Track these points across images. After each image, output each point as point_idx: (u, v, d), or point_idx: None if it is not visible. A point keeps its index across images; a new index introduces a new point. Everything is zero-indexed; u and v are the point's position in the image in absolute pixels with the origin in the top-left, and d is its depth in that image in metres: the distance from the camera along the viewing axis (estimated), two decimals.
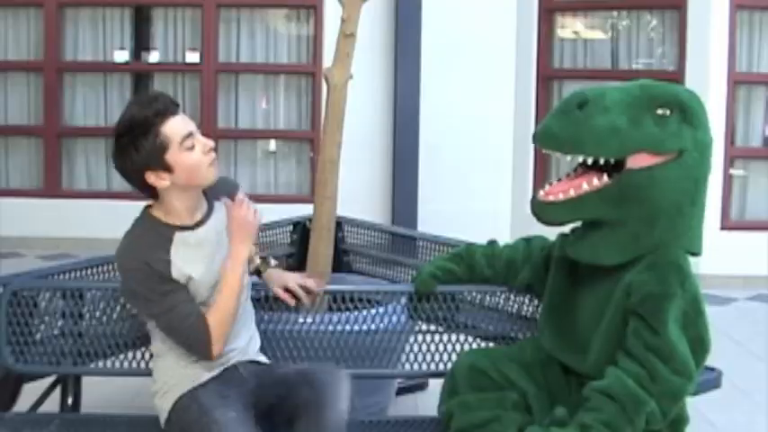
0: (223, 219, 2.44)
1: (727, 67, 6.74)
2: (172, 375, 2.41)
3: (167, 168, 2.29)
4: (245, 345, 2.50)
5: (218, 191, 2.47)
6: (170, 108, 2.30)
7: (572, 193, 2.27)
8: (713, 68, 6.72)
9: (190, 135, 2.31)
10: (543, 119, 2.32)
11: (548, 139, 2.27)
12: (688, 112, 2.26)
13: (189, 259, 2.34)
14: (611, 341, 2.23)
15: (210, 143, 2.35)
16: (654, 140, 2.22)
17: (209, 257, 2.39)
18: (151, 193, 2.36)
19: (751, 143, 7.07)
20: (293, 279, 2.73)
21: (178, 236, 2.36)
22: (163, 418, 2.42)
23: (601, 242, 2.28)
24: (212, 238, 2.41)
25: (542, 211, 2.31)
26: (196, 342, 2.33)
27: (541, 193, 2.32)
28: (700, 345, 2.20)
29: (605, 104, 2.21)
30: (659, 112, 2.24)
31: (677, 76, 6.85)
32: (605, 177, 2.26)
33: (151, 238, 2.34)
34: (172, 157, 2.28)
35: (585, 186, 2.26)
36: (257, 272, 2.74)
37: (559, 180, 2.35)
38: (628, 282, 2.22)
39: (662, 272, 2.20)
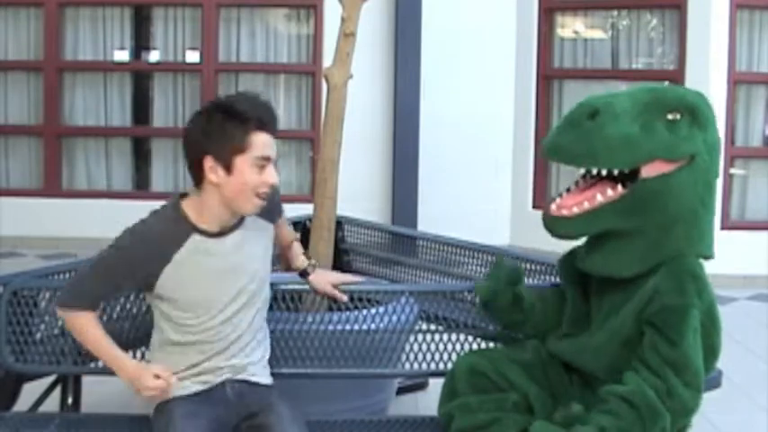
0: (249, 235, 2.36)
1: (727, 67, 6.74)
2: None
3: (228, 169, 2.22)
4: (243, 365, 2.40)
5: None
6: (273, 124, 2.27)
7: (586, 205, 2.22)
8: (713, 68, 6.71)
9: (268, 159, 2.25)
10: (551, 131, 2.26)
11: (561, 153, 2.22)
12: (697, 115, 2.24)
13: (191, 267, 2.28)
14: (627, 346, 2.21)
15: (274, 183, 2.27)
16: (667, 147, 2.19)
17: (213, 270, 2.31)
18: (196, 177, 2.27)
19: (751, 143, 7.07)
20: (335, 278, 2.76)
21: (195, 238, 2.29)
22: (150, 410, 2.42)
23: (616, 254, 2.23)
24: (227, 250, 2.33)
25: (556, 225, 2.26)
26: (63, 294, 2.37)
27: (553, 206, 2.26)
28: (711, 354, 2.20)
29: (616, 113, 2.17)
30: (669, 116, 2.21)
31: (677, 76, 6.85)
32: (619, 187, 2.21)
33: (170, 230, 2.28)
34: (241, 162, 2.22)
35: (600, 198, 2.21)
36: (304, 273, 2.70)
37: (568, 190, 2.30)
38: (650, 289, 2.18)
39: (680, 282, 2.16)
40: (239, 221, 2.35)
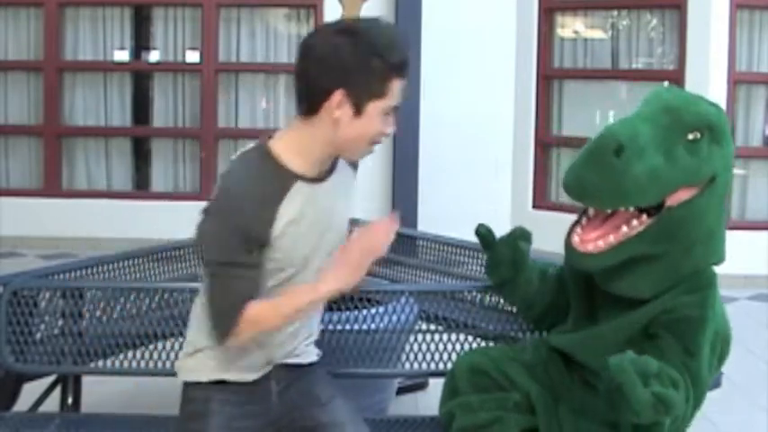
0: (338, 184, 2.13)
1: (727, 67, 6.74)
2: (203, 350, 2.14)
3: (358, 110, 1.96)
4: (292, 348, 2.22)
5: None
6: (408, 69, 2.03)
7: (611, 239, 2.18)
8: (713, 68, 6.72)
9: (396, 109, 2.03)
10: (573, 165, 2.17)
11: (586, 193, 2.15)
12: (716, 131, 2.22)
13: (294, 219, 2.01)
14: (630, 343, 2.17)
15: (389, 132, 2.05)
16: (690, 173, 2.17)
17: (312, 222, 2.04)
18: (309, 107, 1.98)
19: (751, 143, 7.08)
20: None
21: (298, 185, 2.01)
22: (180, 378, 2.21)
23: (637, 276, 2.22)
24: (323, 198, 2.07)
25: (584, 262, 2.23)
26: (221, 321, 2.01)
27: (576, 239, 2.23)
28: (717, 363, 2.22)
29: (640, 146, 2.11)
30: (690, 136, 2.18)
31: (677, 76, 6.85)
32: (644, 217, 2.19)
33: (269, 181, 1.98)
34: (373, 108, 1.98)
35: (625, 229, 2.19)
36: None
37: (587, 216, 2.25)
38: (660, 303, 2.18)
39: (699, 296, 2.17)
40: (332, 166, 2.11)
